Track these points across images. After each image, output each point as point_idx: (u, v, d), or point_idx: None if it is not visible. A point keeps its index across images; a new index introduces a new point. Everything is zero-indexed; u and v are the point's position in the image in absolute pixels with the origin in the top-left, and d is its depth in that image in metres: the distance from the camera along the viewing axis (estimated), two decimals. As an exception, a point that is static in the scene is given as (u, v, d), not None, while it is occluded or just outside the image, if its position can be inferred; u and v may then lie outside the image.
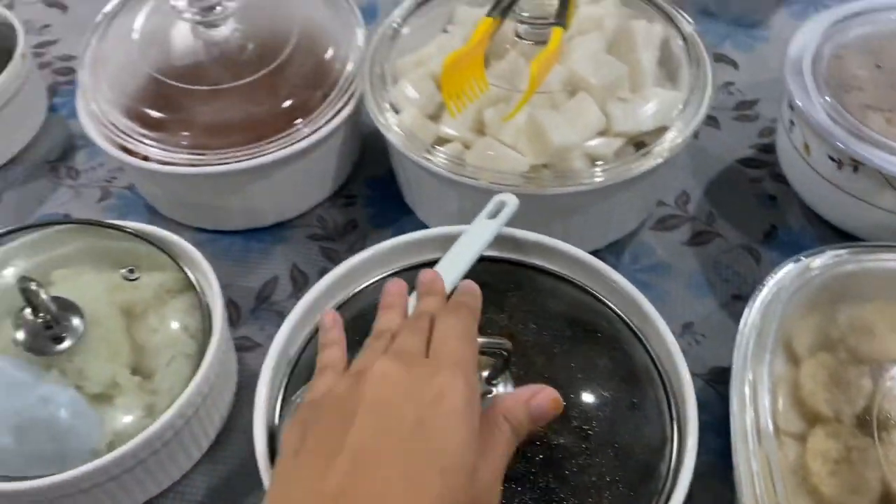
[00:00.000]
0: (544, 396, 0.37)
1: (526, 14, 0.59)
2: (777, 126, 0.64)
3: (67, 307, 0.49)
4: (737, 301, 0.59)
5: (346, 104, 0.63)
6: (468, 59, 0.56)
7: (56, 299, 0.49)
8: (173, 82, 0.63)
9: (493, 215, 0.50)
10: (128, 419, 0.48)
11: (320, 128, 0.61)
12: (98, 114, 0.62)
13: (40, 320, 0.48)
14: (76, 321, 0.49)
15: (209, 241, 0.64)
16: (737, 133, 0.71)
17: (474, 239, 0.49)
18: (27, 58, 0.71)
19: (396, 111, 0.59)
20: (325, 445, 0.32)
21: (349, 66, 0.64)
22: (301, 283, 0.62)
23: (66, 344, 0.48)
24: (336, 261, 0.64)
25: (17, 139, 0.72)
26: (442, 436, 0.32)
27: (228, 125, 0.61)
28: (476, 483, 0.33)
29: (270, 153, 0.60)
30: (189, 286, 0.53)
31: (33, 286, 0.47)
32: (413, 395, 0.33)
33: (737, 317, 0.48)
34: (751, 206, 0.66)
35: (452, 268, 0.47)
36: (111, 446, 0.46)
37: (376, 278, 0.52)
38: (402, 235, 0.53)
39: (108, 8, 0.67)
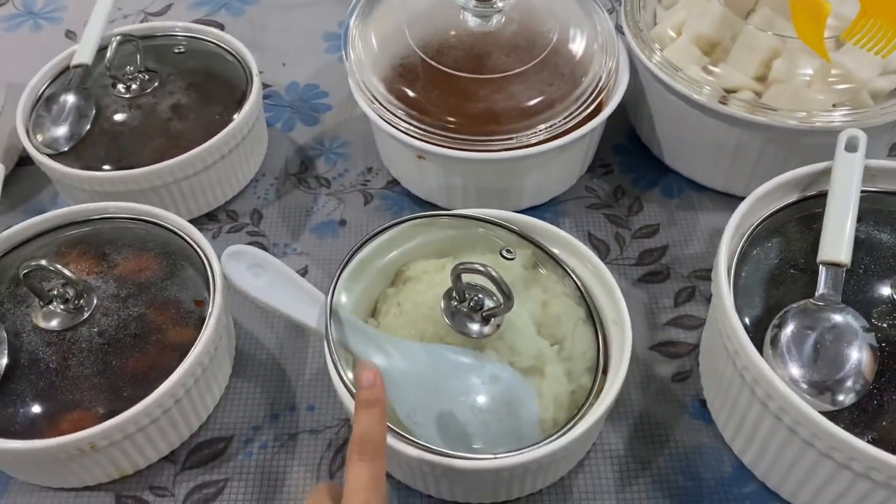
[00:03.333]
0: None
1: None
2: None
3: (481, 290, 0.51)
4: None
5: (602, 93, 0.65)
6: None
7: (470, 285, 0.51)
8: (443, 67, 0.64)
9: (852, 149, 0.54)
10: (558, 388, 0.50)
11: (587, 113, 0.64)
12: (369, 94, 0.64)
13: (467, 306, 0.50)
14: (499, 301, 0.50)
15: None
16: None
17: (849, 175, 0.53)
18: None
19: (676, 69, 0.63)
20: None
21: (606, 58, 0.66)
22: (603, 251, 0.65)
23: (494, 324, 0.50)
24: (621, 225, 0.67)
25: (256, 158, 0.72)
26: None
27: (504, 111, 0.64)
28: None
29: (559, 137, 0.62)
30: (549, 258, 0.56)
31: (467, 277, 0.49)
32: None
33: None
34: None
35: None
36: (554, 418, 0.49)
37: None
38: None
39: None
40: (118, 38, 0.69)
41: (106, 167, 0.64)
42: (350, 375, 0.49)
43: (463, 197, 0.67)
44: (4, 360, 0.51)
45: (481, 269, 0.48)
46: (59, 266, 0.52)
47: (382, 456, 0.41)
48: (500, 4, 0.66)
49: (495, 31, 0.66)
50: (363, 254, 0.55)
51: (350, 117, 0.77)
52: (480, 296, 0.50)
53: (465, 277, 0.50)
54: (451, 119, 0.63)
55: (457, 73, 0.64)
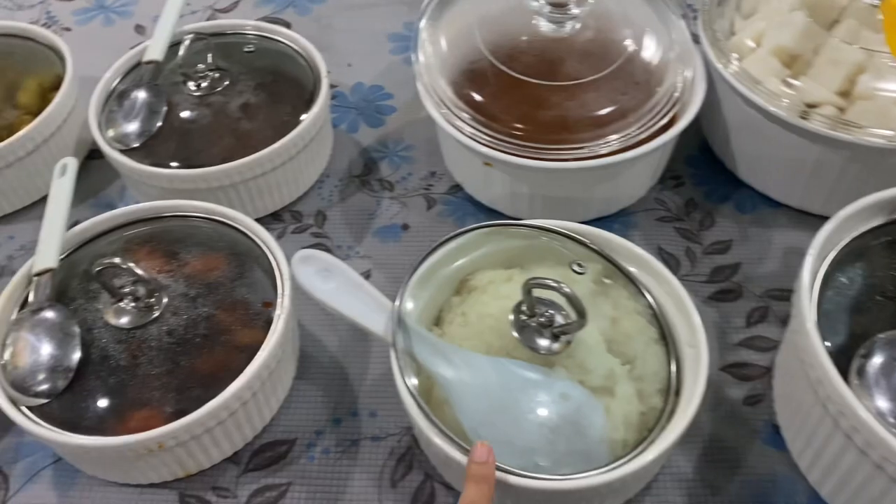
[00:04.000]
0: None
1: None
2: None
3: (551, 306, 0.50)
4: None
5: (677, 103, 0.63)
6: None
7: (540, 300, 0.50)
8: (514, 73, 0.63)
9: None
10: (629, 408, 0.49)
11: (662, 124, 0.62)
12: (437, 98, 0.64)
13: (537, 321, 0.49)
14: (571, 318, 0.49)
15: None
16: None
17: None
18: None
19: (754, 80, 0.61)
20: None
21: (682, 68, 0.65)
22: (673, 266, 0.63)
23: (564, 341, 0.49)
24: (692, 240, 0.66)
25: (322, 159, 0.72)
26: None
27: (576, 120, 0.62)
28: None
29: (631, 148, 0.61)
30: (621, 274, 0.54)
31: (537, 291, 0.48)
32: None
33: None
34: None
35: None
36: (624, 439, 0.48)
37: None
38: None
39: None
40: (191, 36, 0.69)
41: (174, 164, 0.65)
42: (415, 381, 0.48)
43: (529, 205, 0.65)
44: (77, 355, 0.52)
45: (554, 285, 0.48)
46: (131, 265, 0.53)
47: None
48: (575, 11, 0.65)
49: (569, 38, 0.65)
50: (430, 261, 0.54)
51: (414, 120, 0.77)
52: (551, 311, 0.49)
53: (536, 291, 0.49)
54: (520, 126, 0.62)
55: (528, 79, 0.64)
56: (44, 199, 0.61)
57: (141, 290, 0.53)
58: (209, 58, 0.69)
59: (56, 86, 0.73)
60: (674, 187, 0.69)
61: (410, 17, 0.85)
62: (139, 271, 0.53)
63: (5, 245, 0.69)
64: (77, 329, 0.52)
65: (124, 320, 0.53)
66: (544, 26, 0.65)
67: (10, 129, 0.69)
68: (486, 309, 0.54)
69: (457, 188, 0.71)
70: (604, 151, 0.61)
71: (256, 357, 0.51)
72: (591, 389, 0.49)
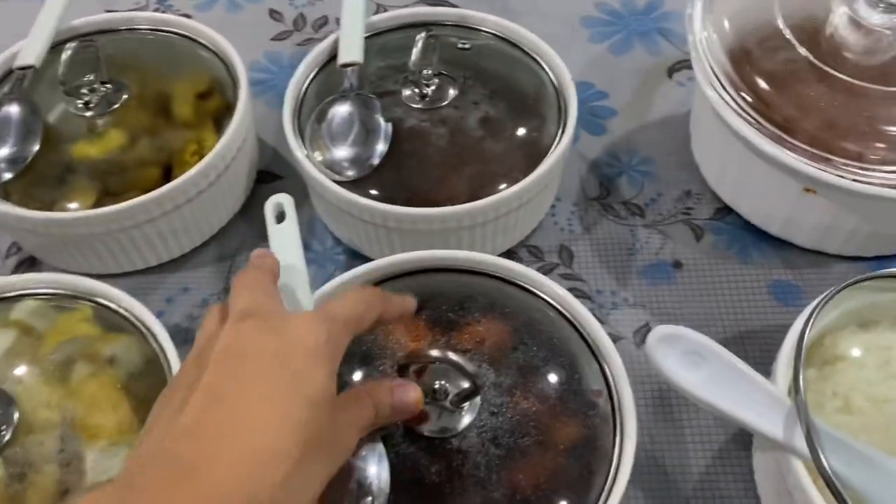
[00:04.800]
0: (409, 390, 0.37)
1: None
2: None
3: None
4: None
5: None
6: None
7: None
8: (840, 74, 0.51)
9: None
10: None
11: None
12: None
13: None
14: None
15: None
16: None
17: None
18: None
19: None
20: (184, 383, 0.32)
21: None
22: None
23: None
24: None
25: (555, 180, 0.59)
26: (304, 368, 0.32)
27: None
28: (336, 429, 0.33)
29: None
30: None
31: None
32: (273, 332, 0.33)
33: None
34: None
35: None
36: None
37: None
38: None
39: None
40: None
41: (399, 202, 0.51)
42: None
43: (845, 241, 0.54)
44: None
45: None
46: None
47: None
48: None
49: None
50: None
51: (645, 125, 0.64)
52: None
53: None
54: (851, 144, 0.50)
55: (859, 83, 0.51)
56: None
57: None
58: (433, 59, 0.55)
59: (207, 92, 0.59)
60: None
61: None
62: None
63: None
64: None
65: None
66: (876, 18, 0.52)
67: (175, 155, 0.55)
68: (878, 391, 0.42)
69: (724, 211, 0.58)
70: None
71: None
72: None
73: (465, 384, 0.40)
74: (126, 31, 0.62)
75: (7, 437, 0.39)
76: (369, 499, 0.38)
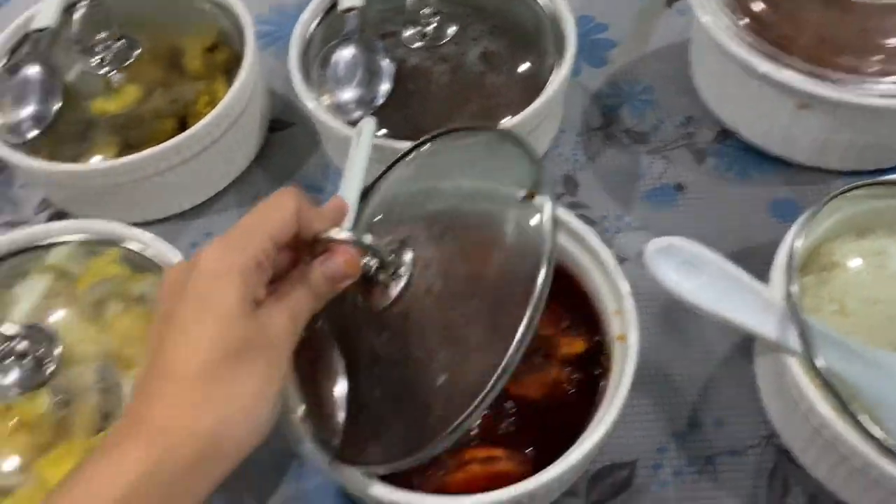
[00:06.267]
0: (337, 258, 0.38)
1: None
2: None
3: None
4: None
5: None
6: None
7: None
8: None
9: None
10: None
11: None
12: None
13: None
14: None
15: None
16: None
17: None
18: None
19: None
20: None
21: None
22: None
23: None
24: None
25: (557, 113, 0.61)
26: (206, 290, 0.35)
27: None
28: (266, 328, 0.35)
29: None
30: None
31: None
32: (189, 266, 0.36)
33: None
34: None
35: None
36: None
37: None
38: None
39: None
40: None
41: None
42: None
43: (841, 156, 0.55)
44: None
45: None
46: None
47: None
48: None
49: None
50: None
51: (645, 56, 0.65)
52: None
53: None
54: (846, 59, 0.51)
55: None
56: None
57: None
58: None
59: (215, 45, 0.61)
60: None
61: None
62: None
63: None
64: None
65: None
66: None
67: (189, 106, 0.57)
68: (869, 293, 0.44)
69: (725, 135, 0.60)
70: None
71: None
72: None
73: None
74: (134, -12, 0.65)
75: (51, 370, 0.43)
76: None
